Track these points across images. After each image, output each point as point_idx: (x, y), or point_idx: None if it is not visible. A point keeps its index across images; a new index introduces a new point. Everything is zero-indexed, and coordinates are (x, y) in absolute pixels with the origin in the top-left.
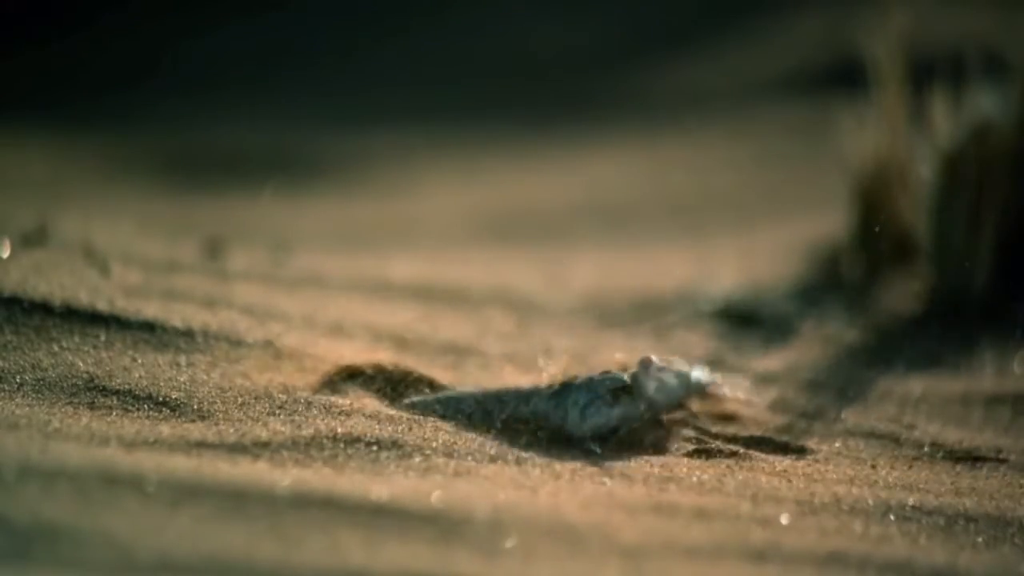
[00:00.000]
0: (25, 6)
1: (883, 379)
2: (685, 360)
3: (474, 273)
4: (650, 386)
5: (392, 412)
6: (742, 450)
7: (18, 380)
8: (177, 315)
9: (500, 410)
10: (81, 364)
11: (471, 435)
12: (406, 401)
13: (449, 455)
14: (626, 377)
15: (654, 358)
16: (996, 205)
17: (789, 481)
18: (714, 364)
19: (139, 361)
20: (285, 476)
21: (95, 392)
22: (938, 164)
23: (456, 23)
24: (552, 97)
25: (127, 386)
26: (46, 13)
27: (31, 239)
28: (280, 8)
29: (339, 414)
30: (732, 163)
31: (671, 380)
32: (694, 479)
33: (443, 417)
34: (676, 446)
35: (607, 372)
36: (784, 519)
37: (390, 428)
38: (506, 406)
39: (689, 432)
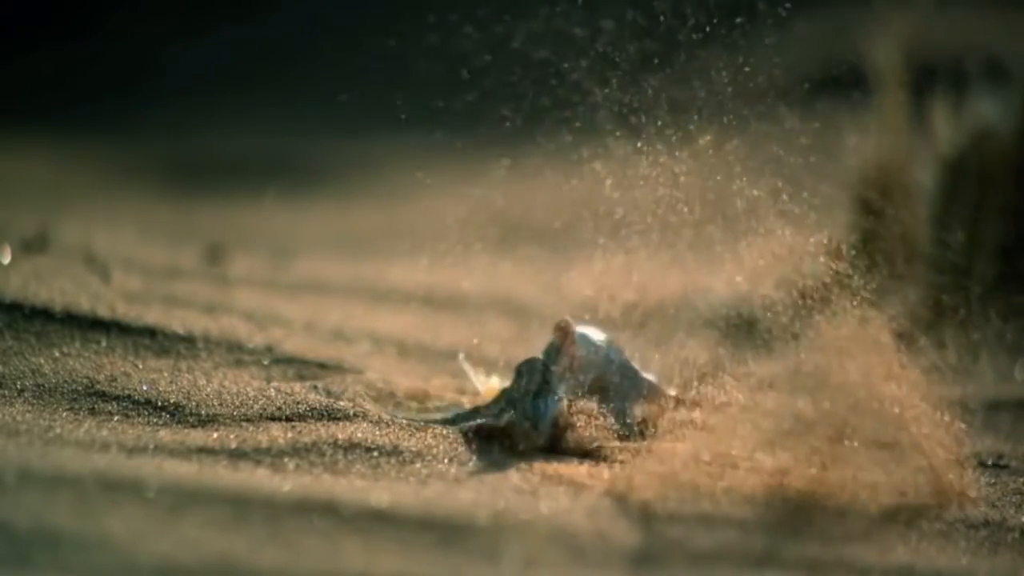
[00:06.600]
0: (25, 11)
1: None
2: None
3: (474, 279)
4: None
5: (392, 418)
6: (743, 454)
7: (19, 386)
8: (178, 321)
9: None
10: (82, 370)
11: (472, 441)
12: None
13: (450, 461)
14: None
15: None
16: (996, 211)
17: (790, 486)
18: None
19: (140, 367)
20: (286, 482)
21: (96, 398)
22: (939, 170)
23: (457, 27)
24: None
25: (128, 392)
26: (46, 18)
27: (32, 245)
28: (281, 12)
29: (340, 420)
30: (731, 168)
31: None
32: (696, 485)
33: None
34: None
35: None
36: (785, 524)
37: (390, 434)
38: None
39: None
